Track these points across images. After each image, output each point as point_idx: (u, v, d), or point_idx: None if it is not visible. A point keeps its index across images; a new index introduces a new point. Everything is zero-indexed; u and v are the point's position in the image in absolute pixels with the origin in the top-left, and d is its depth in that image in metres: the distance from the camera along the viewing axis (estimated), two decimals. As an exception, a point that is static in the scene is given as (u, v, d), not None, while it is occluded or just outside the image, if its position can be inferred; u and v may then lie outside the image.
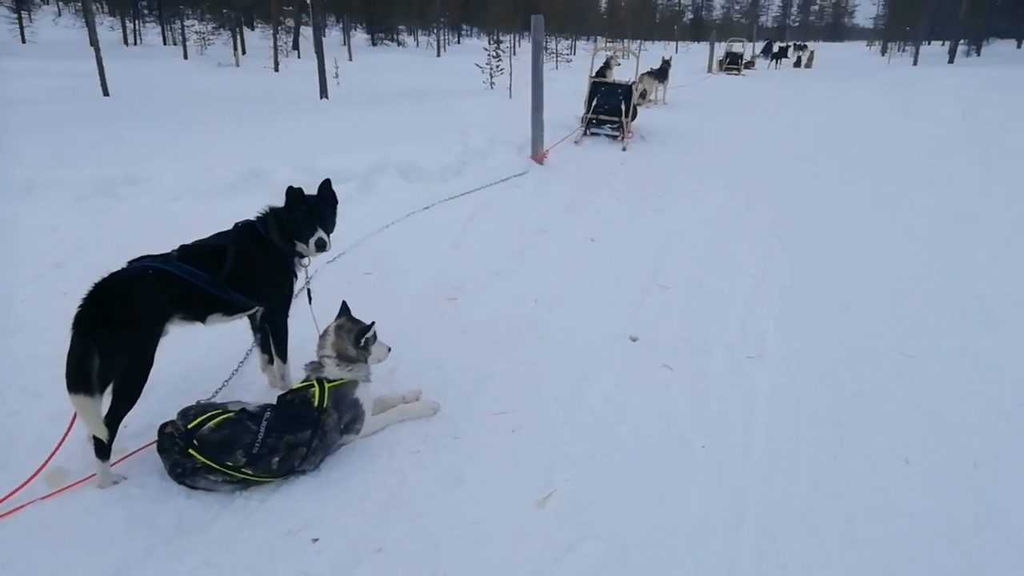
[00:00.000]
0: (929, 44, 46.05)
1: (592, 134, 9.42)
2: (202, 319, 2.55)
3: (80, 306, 2.15)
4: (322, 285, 3.70)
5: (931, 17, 40.35)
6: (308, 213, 2.67)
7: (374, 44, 50.99)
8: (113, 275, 2.27)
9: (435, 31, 46.26)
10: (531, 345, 3.49)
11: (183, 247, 2.52)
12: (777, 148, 9.35)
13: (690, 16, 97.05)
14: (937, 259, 4.94)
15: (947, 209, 6.28)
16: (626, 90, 9.35)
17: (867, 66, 34.69)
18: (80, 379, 2.08)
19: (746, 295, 4.21)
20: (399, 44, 52.93)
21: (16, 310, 3.60)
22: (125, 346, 2.20)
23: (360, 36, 54.01)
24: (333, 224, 2.80)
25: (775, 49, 38.55)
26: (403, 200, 5.80)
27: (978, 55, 41.34)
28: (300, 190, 2.65)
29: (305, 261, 2.82)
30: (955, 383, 3.18)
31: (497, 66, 15.81)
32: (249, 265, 2.59)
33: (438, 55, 42.60)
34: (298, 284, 2.87)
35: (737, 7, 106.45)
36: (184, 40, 25.93)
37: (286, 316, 2.88)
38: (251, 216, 2.73)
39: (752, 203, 6.40)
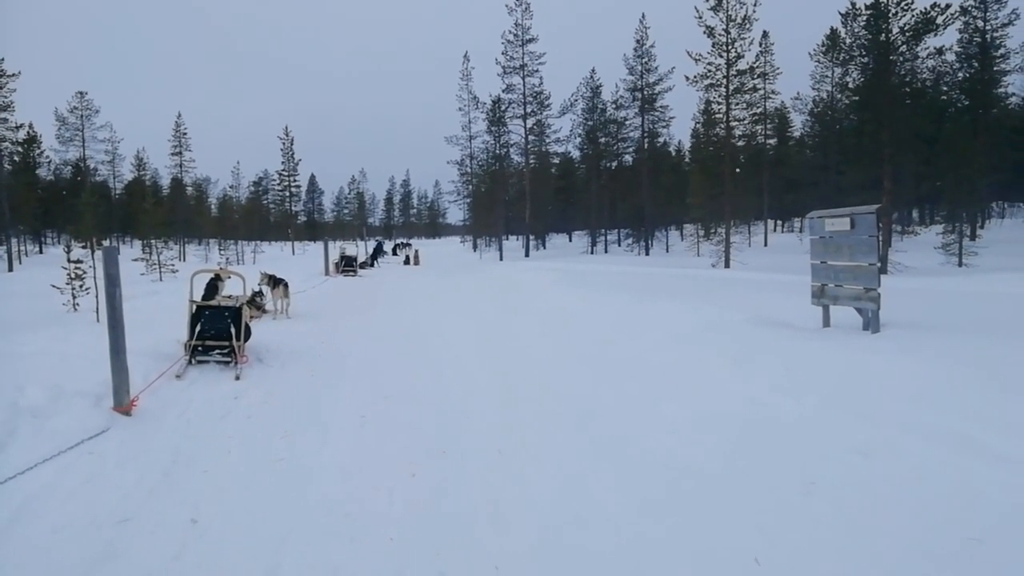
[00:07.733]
0: (508, 239, 58.64)
1: (199, 362, 8.33)
2: None
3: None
4: None
5: (505, 221, 51.86)
6: None
7: (-82, 263, 41.35)
8: None
9: (4, 241, 39.47)
10: None
11: None
12: (402, 360, 9.36)
13: (303, 218, 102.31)
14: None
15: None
16: (234, 312, 8.64)
17: (465, 263, 40.41)
18: None
19: None
20: (-45, 260, 43.70)
21: None
22: None
23: None
24: None
25: (384, 249, 42.52)
26: None
27: (544, 248, 57.30)
28: None
29: None
30: None
31: (81, 285, 13.63)
32: None
33: (10, 269, 36.49)
34: None
35: (346, 210, 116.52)
36: None
37: None
38: None
39: (384, 441, 5.94)
